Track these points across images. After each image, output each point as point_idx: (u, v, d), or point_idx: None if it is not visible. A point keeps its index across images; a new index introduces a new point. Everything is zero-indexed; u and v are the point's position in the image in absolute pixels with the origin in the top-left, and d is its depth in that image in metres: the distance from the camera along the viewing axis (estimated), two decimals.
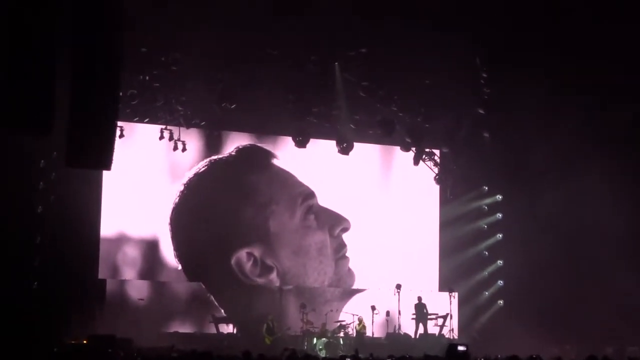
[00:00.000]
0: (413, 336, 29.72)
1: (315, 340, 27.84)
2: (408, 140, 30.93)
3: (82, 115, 16.47)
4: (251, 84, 28.27)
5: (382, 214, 31.56)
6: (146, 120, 28.98)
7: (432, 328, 29.98)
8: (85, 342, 23.66)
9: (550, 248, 29.61)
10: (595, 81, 26.88)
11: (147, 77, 27.39)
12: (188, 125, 29.09)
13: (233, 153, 30.32)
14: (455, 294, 30.79)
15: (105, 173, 27.66)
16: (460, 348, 18.60)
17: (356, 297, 30.75)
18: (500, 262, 32.45)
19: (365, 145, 31.37)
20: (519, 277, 30.83)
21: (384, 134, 30.36)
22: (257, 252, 29.81)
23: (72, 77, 16.32)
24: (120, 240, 28.78)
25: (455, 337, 29.77)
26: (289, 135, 30.03)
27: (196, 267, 29.31)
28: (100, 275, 28.39)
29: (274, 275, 29.96)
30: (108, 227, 28.57)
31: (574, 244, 29.31)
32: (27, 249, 26.35)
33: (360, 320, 28.78)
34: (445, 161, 32.24)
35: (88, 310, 26.46)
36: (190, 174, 29.59)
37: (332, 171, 30.91)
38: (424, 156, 31.71)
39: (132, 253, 28.93)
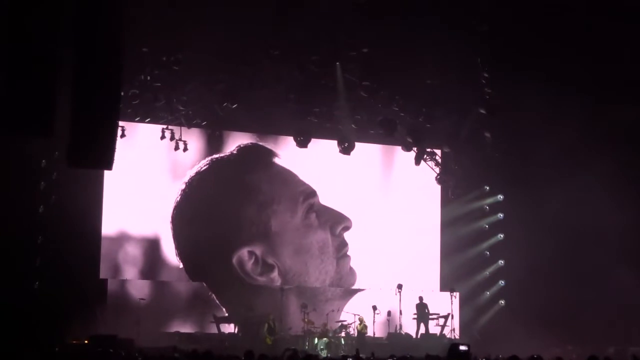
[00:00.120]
0: (414, 336, 29.73)
1: (316, 340, 27.85)
2: (409, 140, 30.90)
3: (83, 115, 16.42)
4: (252, 84, 28.28)
5: (383, 214, 31.58)
6: (147, 120, 29.01)
7: (434, 328, 30.00)
8: (86, 342, 23.72)
9: (552, 248, 29.63)
10: (596, 81, 26.88)
11: (149, 77, 27.36)
12: (189, 125, 29.10)
13: (234, 152, 30.34)
14: (457, 294, 30.76)
15: (106, 173, 27.74)
16: (462, 348, 18.59)
17: (357, 297, 30.77)
18: (501, 262, 32.46)
19: (367, 145, 31.38)
20: (521, 277, 30.81)
21: (385, 134, 30.34)
22: (258, 251, 29.83)
23: (74, 77, 16.29)
24: (122, 240, 28.80)
25: (457, 337, 29.79)
26: (290, 135, 30.02)
27: (197, 265, 29.34)
28: (102, 275, 28.43)
29: (275, 274, 29.97)
30: (109, 227, 28.60)
31: (575, 243, 29.32)
32: (28, 249, 26.40)
33: (362, 320, 28.77)
34: (446, 161, 32.25)
35: (89, 310, 26.48)
36: (191, 172, 29.61)
37: (334, 171, 30.92)
38: (425, 156, 31.70)
39: (133, 253, 28.95)
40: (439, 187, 32.36)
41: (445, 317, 30.06)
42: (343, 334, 28.58)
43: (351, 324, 28.85)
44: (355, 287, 30.97)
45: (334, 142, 30.21)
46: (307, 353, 20.28)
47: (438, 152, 32.15)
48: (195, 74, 27.86)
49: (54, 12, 15.22)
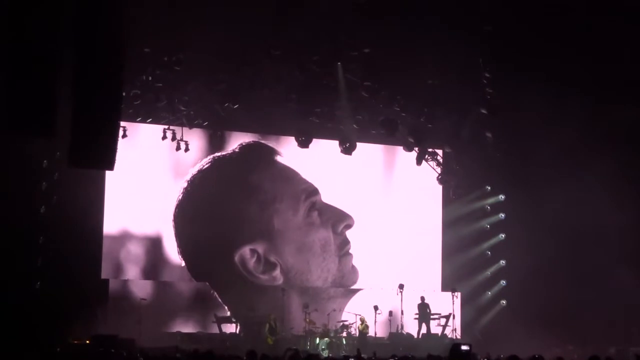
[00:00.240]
0: (416, 336, 29.74)
1: (317, 340, 27.85)
2: (411, 140, 30.89)
3: (84, 116, 16.43)
4: (254, 84, 28.30)
5: (384, 214, 31.60)
6: (149, 120, 29.02)
7: (435, 328, 30.01)
8: (88, 342, 23.72)
9: (553, 248, 29.64)
10: (596, 81, 26.88)
11: (150, 78, 27.36)
12: (191, 125, 29.12)
13: (236, 150, 30.37)
14: (458, 294, 30.77)
15: (108, 173, 27.76)
16: (464, 348, 18.59)
17: (359, 297, 30.77)
18: (503, 262, 32.47)
19: (368, 145, 31.38)
20: (522, 277, 30.81)
21: (387, 134, 30.33)
22: (260, 249, 29.85)
23: (75, 77, 16.30)
24: (123, 241, 28.82)
25: (458, 337, 29.80)
26: (291, 135, 30.01)
27: (200, 264, 29.36)
28: (103, 275, 28.45)
29: (277, 272, 29.99)
30: (111, 228, 28.62)
31: (577, 243, 29.33)
32: (30, 249, 26.40)
33: (363, 320, 28.78)
34: (448, 161, 32.23)
35: (91, 310, 26.49)
36: (193, 170, 29.64)
37: (335, 171, 30.93)
38: (426, 156, 31.68)
39: (134, 253, 28.97)
40: (440, 187, 32.36)
41: (447, 317, 30.08)
42: (344, 334, 28.58)
43: (352, 324, 28.86)
44: (356, 286, 30.97)
45: (336, 142, 30.19)
46: (309, 353, 20.28)
47: (439, 152, 32.13)
48: (196, 74, 27.85)
49: (55, 12, 15.23)
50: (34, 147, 24.86)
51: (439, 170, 32.13)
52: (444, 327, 30.02)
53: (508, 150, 30.80)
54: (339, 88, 29.15)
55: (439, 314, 30.19)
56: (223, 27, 25.54)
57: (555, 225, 29.57)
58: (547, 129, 28.47)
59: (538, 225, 30.02)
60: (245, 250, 29.64)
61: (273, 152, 30.55)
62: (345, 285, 30.94)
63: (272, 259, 29.94)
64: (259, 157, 30.42)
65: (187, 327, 28.81)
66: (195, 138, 29.51)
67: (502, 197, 32.83)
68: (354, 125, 30.33)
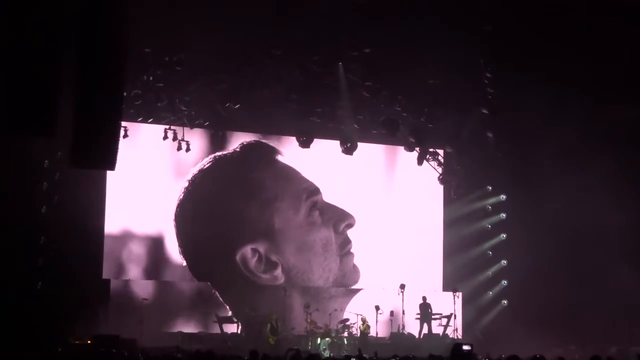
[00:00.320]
0: (417, 336, 29.73)
1: (319, 340, 27.85)
2: (412, 140, 30.90)
3: (86, 116, 16.44)
4: (254, 84, 28.30)
5: (386, 214, 31.59)
6: (150, 120, 29.03)
7: (436, 328, 30.01)
8: (89, 342, 23.72)
9: (554, 248, 29.64)
10: (596, 81, 26.87)
11: (151, 78, 27.38)
12: (192, 125, 29.13)
13: (237, 149, 30.37)
14: (459, 294, 30.78)
15: (109, 173, 27.76)
16: (465, 348, 18.56)
17: (360, 297, 30.76)
18: (504, 262, 32.45)
19: (369, 145, 31.38)
20: (523, 277, 30.81)
21: (388, 134, 30.34)
22: (261, 248, 29.85)
23: (76, 77, 16.31)
24: (124, 240, 28.83)
25: (459, 337, 29.79)
26: (293, 135, 30.03)
27: (201, 263, 29.37)
28: (104, 275, 28.45)
29: (278, 272, 29.99)
30: (112, 227, 28.63)
31: (578, 243, 29.32)
32: (31, 249, 26.41)
33: (364, 320, 28.78)
34: (449, 161, 32.24)
35: (92, 310, 26.48)
36: (194, 170, 29.64)
37: (336, 171, 30.92)
38: (427, 156, 31.70)
39: (135, 253, 28.98)
40: (441, 187, 32.35)
41: (448, 317, 30.08)
42: (346, 334, 28.59)
43: (354, 323, 28.86)
44: (358, 286, 30.97)
45: (337, 142, 30.21)
46: (310, 353, 20.27)
47: (440, 152, 32.13)
48: (197, 74, 27.86)
49: (55, 12, 15.23)
50: (35, 147, 24.88)
51: (440, 170, 32.13)
52: (445, 327, 30.02)
53: (509, 150, 30.79)
54: (340, 88, 29.16)
55: (440, 314, 30.20)
56: (224, 27, 25.56)
57: (556, 225, 29.57)
58: (547, 129, 28.47)
59: (539, 225, 30.01)
60: (247, 250, 29.64)
61: (274, 151, 30.56)
62: (346, 285, 30.94)
63: (274, 258, 29.94)
64: (259, 157, 30.42)
65: (188, 327, 28.81)
66: (197, 138, 29.51)
67: (503, 197, 32.81)
68: (355, 125, 30.35)
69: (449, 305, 30.17)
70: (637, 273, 27.43)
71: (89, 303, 26.63)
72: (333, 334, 28.28)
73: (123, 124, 25.04)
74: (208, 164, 29.81)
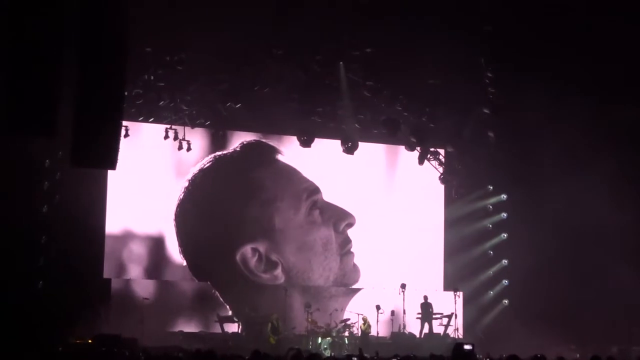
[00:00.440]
0: (418, 335, 29.72)
1: (320, 340, 27.83)
2: (413, 139, 30.90)
3: (87, 115, 16.48)
4: (255, 84, 28.29)
5: (387, 214, 31.57)
6: (151, 119, 29.02)
7: (437, 327, 30.01)
8: (90, 341, 23.69)
9: (555, 247, 29.62)
10: (599, 81, 26.87)
11: (152, 77, 27.41)
12: (193, 124, 29.14)
13: (237, 149, 30.36)
14: (460, 294, 30.78)
15: (110, 173, 27.77)
16: (467, 347, 18.57)
17: (361, 296, 30.75)
18: (505, 262, 32.43)
19: (370, 144, 31.38)
20: (524, 277, 30.79)
21: (389, 134, 30.35)
22: (262, 248, 29.84)
23: (77, 77, 16.33)
24: (125, 240, 28.83)
25: (460, 336, 29.78)
26: (293, 134, 30.04)
27: (201, 263, 29.37)
28: (105, 275, 28.46)
29: (279, 271, 29.98)
30: (113, 227, 28.63)
31: (579, 243, 29.30)
32: (32, 248, 26.41)
33: (365, 320, 28.79)
34: (450, 161, 32.25)
35: (93, 309, 26.48)
36: (195, 169, 29.63)
37: (337, 170, 30.92)
38: (428, 156, 31.71)
39: (137, 252, 28.99)
40: (442, 186, 32.35)
41: (449, 317, 30.07)
42: (347, 334, 28.58)
43: (355, 323, 28.86)
44: (358, 286, 30.96)
45: (338, 142, 30.22)
46: (311, 352, 20.27)
47: (441, 151, 32.13)
48: (198, 74, 27.88)
49: (55, 12, 15.25)
50: (36, 146, 24.89)
51: (441, 169, 32.13)
52: (446, 326, 30.01)
53: (510, 149, 30.77)
54: (341, 88, 29.18)
55: (441, 314, 30.19)
56: (225, 26, 25.57)
57: (556, 225, 29.56)
58: (548, 128, 28.46)
59: (540, 225, 29.99)
60: (247, 250, 29.64)
61: (274, 150, 30.55)
62: (346, 284, 30.94)
63: (274, 257, 29.93)
64: (260, 156, 30.41)
65: (189, 327, 28.81)
66: (198, 137, 29.52)
67: (504, 196, 32.78)
68: (356, 125, 30.35)
69: (450, 305, 30.16)
70: (637, 273, 27.41)
71: (90, 302, 26.63)
72: (334, 334, 28.28)
73: (124, 123, 24.98)
74: (208, 164, 29.81)
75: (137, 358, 18.86)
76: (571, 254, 29.66)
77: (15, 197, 25.48)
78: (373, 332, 28.81)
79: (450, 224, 32.32)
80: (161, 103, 28.32)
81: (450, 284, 31.54)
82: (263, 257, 29.86)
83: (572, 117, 27.41)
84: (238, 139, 30.37)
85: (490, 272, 32.41)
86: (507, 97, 28.66)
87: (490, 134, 30.53)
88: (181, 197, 29.34)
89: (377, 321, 28.95)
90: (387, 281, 30.63)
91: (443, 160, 32.16)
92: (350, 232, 30.95)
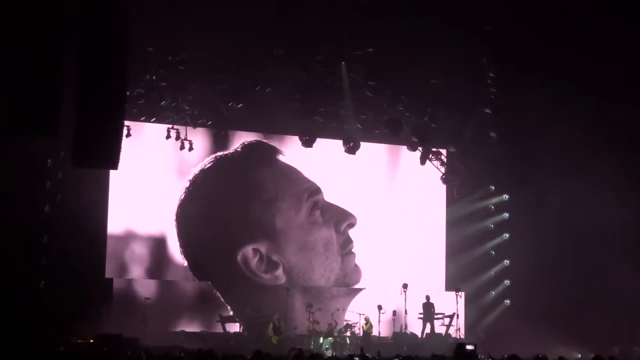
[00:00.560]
0: (420, 336, 29.72)
1: (321, 340, 27.84)
2: (415, 139, 30.91)
3: (88, 115, 16.50)
4: (257, 84, 28.30)
5: (388, 214, 31.57)
6: (153, 119, 29.03)
7: (439, 327, 30.00)
8: (92, 341, 23.71)
9: (557, 247, 29.62)
10: (600, 81, 26.87)
11: (154, 77, 27.42)
12: (195, 124, 29.15)
13: (239, 149, 30.36)
14: (462, 294, 30.79)
15: (112, 172, 27.75)
16: (469, 347, 18.57)
17: (363, 296, 30.75)
18: (506, 262, 32.43)
19: (372, 144, 31.39)
20: (526, 277, 30.82)
21: (391, 134, 30.36)
22: (263, 248, 29.83)
23: (79, 77, 16.34)
24: (127, 240, 28.83)
25: (462, 336, 29.78)
26: (295, 134, 30.05)
27: (202, 264, 29.36)
28: (107, 275, 28.45)
29: (280, 272, 29.98)
30: (115, 227, 28.63)
31: (580, 243, 29.30)
32: (33, 248, 26.40)
33: (367, 320, 28.79)
34: (451, 161, 32.25)
35: (95, 309, 26.48)
36: (195, 170, 29.64)
37: (339, 170, 30.92)
38: (430, 156, 31.72)
39: (138, 252, 28.98)
40: (444, 186, 32.35)
41: (451, 317, 30.07)
42: (348, 334, 28.57)
43: (356, 323, 28.85)
44: (360, 286, 30.96)
45: (339, 142, 30.24)
46: (312, 352, 20.28)
47: (443, 151, 32.14)
48: (200, 74, 27.88)
49: (55, 12, 15.26)
50: (37, 146, 24.88)
51: (442, 169, 32.14)
52: (448, 326, 30.01)
53: (512, 149, 30.76)
54: (342, 87, 29.18)
55: (443, 314, 30.19)
56: (227, 26, 25.57)
57: (558, 225, 29.54)
58: (549, 128, 28.46)
59: (541, 225, 29.99)
60: (248, 250, 29.63)
61: (275, 151, 30.55)
62: (348, 285, 30.94)
63: (275, 258, 29.93)
64: (260, 156, 30.41)
65: (191, 327, 28.81)
66: (199, 137, 29.53)
67: (506, 196, 32.78)
68: (358, 125, 30.36)
69: (452, 305, 30.15)
70: (639, 273, 27.41)
71: (91, 302, 26.61)
72: (336, 334, 28.28)
73: (126, 123, 24.91)
74: (209, 164, 29.82)
75: (138, 358, 18.91)
76: (572, 254, 29.65)
77: (17, 197, 25.49)
78: (375, 332, 28.78)
79: (452, 224, 32.32)
80: (163, 103, 28.32)
81: (452, 284, 31.54)
82: (264, 258, 29.85)
83: (572, 117, 27.41)
84: (240, 139, 30.37)
85: (492, 272, 32.40)
86: (507, 97, 28.66)
87: (492, 134, 30.52)
88: (182, 197, 29.34)
89: (379, 321, 28.91)
90: (388, 281, 30.64)
91: (445, 160, 32.17)
92: (352, 232, 30.95)
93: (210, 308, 29.25)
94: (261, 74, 28.24)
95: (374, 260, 30.99)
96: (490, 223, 32.69)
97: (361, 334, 28.54)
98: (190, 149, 28.94)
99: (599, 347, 25.44)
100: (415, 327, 29.88)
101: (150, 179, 29.08)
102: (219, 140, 30.07)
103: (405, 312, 29.38)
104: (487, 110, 29.53)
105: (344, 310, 30.16)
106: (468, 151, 31.77)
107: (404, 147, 31.45)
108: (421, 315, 30.03)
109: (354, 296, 30.80)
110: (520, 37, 26.71)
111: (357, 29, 26.98)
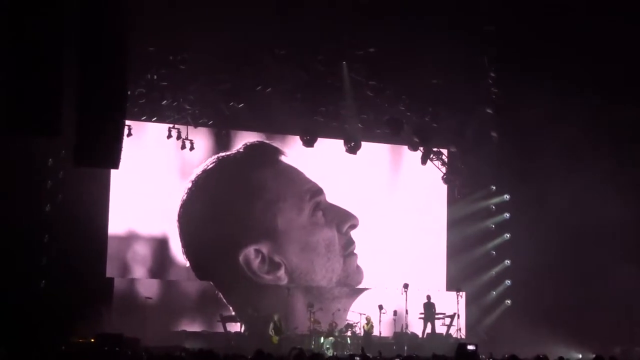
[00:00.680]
0: (420, 335, 29.71)
1: (322, 340, 27.84)
2: (416, 139, 30.91)
3: (89, 114, 16.50)
4: (258, 84, 28.31)
5: (389, 214, 31.56)
6: (154, 119, 29.05)
7: (440, 327, 29.99)
8: (92, 341, 23.72)
9: (558, 247, 29.62)
10: (600, 81, 26.88)
11: (155, 76, 27.45)
12: (196, 124, 29.15)
13: (241, 150, 30.35)
14: (463, 294, 30.79)
15: (113, 172, 27.73)
16: (470, 347, 18.59)
17: (364, 296, 30.75)
18: (507, 262, 32.41)
19: (373, 144, 31.38)
20: (527, 277, 30.82)
21: (392, 133, 30.36)
22: (264, 249, 29.82)
23: (80, 76, 16.35)
24: (128, 239, 28.83)
25: (463, 336, 29.78)
26: (296, 134, 30.05)
27: (204, 264, 29.36)
28: (108, 274, 28.45)
29: (282, 272, 29.97)
30: (116, 226, 28.63)
31: (581, 243, 29.29)
32: (34, 248, 26.42)
33: (369, 320, 28.78)
34: (453, 160, 32.23)
35: (95, 309, 26.48)
36: (198, 170, 29.64)
37: (340, 170, 30.91)
38: (431, 155, 31.71)
39: (139, 252, 28.98)
40: (445, 186, 32.34)
41: (452, 317, 30.05)
42: (349, 334, 28.57)
43: (357, 323, 28.85)
44: (361, 286, 30.95)
45: (341, 142, 30.24)
46: (313, 352, 20.30)
47: (444, 151, 32.13)
48: (201, 73, 27.90)
49: (56, 12, 15.27)
50: (38, 146, 24.91)
51: (443, 169, 32.13)
52: (449, 326, 30.00)
53: (513, 149, 30.76)
54: (343, 87, 29.20)
55: (444, 314, 30.18)
56: (228, 26, 25.59)
57: (560, 225, 29.54)
58: (550, 128, 28.48)
59: (542, 225, 29.99)
60: (250, 251, 29.63)
61: (277, 151, 30.54)
62: (350, 285, 30.93)
63: (277, 259, 29.92)
64: (263, 157, 30.41)
65: (192, 326, 28.82)
66: (201, 137, 29.53)
67: (507, 196, 32.76)
68: (359, 125, 30.36)
69: (453, 305, 30.14)
70: None
71: (92, 302, 26.59)
72: (336, 333, 28.28)
73: (127, 122, 24.92)
74: (211, 165, 29.82)
75: (139, 357, 18.91)
76: (574, 253, 29.65)
77: (17, 197, 25.51)
78: (375, 332, 28.77)
79: (453, 224, 32.30)
80: (164, 102, 28.34)
81: (452, 284, 31.52)
82: (266, 258, 29.84)
83: (572, 117, 27.43)
84: (241, 139, 30.37)
85: (493, 272, 32.39)
86: (508, 97, 28.68)
87: (493, 134, 30.52)
88: (184, 198, 29.34)
89: (380, 321, 28.89)
90: (389, 281, 30.63)
91: (446, 160, 32.16)
92: (353, 233, 30.94)
93: (212, 308, 29.24)
94: (262, 74, 28.26)
95: (375, 260, 30.98)
96: (491, 223, 32.67)
97: (362, 334, 28.53)
98: (192, 148, 28.93)
99: (600, 347, 25.49)
100: (416, 327, 29.88)
101: (151, 179, 29.08)
102: (220, 140, 30.07)
103: (406, 312, 29.35)
104: (488, 110, 29.56)
105: (346, 310, 30.16)
106: (469, 151, 31.75)
107: (405, 147, 31.45)
108: (422, 315, 30.02)
109: (356, 297, 30.79)
110: (521, 37, 26.73)
111: (357, 29, 27.01)
